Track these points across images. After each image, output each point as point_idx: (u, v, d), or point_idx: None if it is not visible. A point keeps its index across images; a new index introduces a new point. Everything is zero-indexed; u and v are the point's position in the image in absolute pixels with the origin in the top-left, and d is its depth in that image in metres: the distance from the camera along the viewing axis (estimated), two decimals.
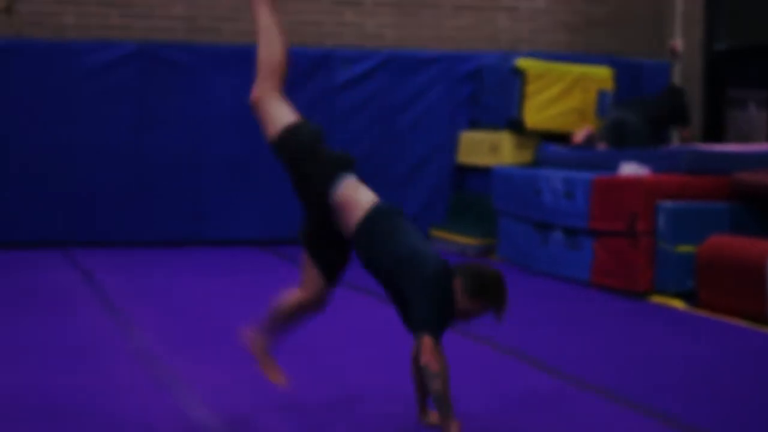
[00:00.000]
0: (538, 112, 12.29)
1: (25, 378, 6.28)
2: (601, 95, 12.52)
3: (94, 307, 8.62)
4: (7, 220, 12.08)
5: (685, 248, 9.31)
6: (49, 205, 12.13)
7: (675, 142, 13.36)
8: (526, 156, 12.27)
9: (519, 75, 12.29)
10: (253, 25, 13.19)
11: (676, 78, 13.83)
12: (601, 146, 11.74)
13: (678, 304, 9.14)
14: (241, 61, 12.60)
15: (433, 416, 5.41)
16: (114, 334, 7.58)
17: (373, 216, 5.47)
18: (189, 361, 6.77)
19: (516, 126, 12.27)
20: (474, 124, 13.25)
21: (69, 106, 12.21)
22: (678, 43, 13.92)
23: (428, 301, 5.10)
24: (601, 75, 12.58)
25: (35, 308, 8.54)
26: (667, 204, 9.47)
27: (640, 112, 12.09)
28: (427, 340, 5.04)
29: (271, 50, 5.82)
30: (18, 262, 11.13)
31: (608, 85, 12.57)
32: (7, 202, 12.08)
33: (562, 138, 12.30)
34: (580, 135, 12.05)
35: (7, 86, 12.07)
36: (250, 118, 12.42)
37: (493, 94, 12.89)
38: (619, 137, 11.75)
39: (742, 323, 8.37)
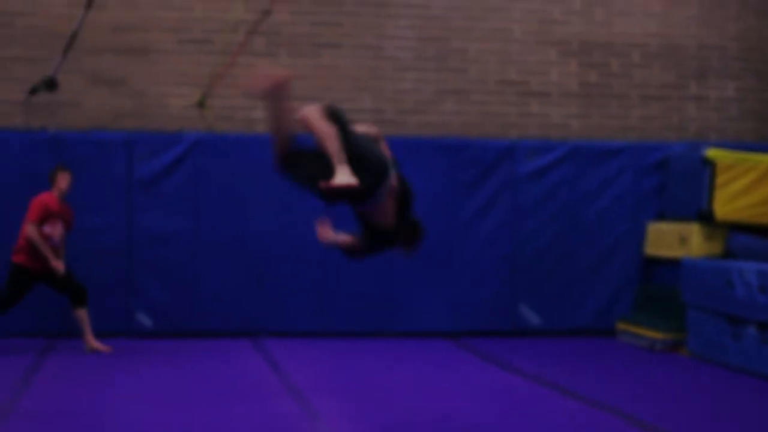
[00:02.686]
0: (728, 203, 12.01)
1: None
2: None
3: (282, 396, 8.71)
4: (201, 310, 12.37)
5: None
6: (239, 295, 12.37)
7: None
8: (716, 247, 11.98)
9: (708, 165, 12.06)
10: (436, 117, 13.38)
11: None
12: None
13: None
14: (426, 152, 12.74)
15: None
16: (302, 423, 7.62)
17: None
18: None
19: (706, 217, 12.01)
20: (661, 215, 13.04)
21: (258, 196, 12.48)
22: None
23: None
24: None
25: (226, 396, 8.67)
26: None
27: None
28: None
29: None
30: (210, 351, 11.35)
31: None
32: (201, 292, 12.37)
33: (752, 229, 11.99)
34: None
35: (198, 178, 12.42)
36: (434, 209, 12.59)
37: (681, 184, 12.68)
38: None
39: None
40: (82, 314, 11.14)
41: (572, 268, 12.92)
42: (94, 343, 11.17)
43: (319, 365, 10.51)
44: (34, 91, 12.41)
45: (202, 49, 13.11)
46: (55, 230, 11.05)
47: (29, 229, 10.88)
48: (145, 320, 12.30)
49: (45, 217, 10.97)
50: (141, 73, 13.12)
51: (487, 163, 12.89)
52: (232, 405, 8.34)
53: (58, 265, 10.92)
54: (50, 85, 12.08)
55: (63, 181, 11.18)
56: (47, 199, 11.08)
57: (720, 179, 12.02)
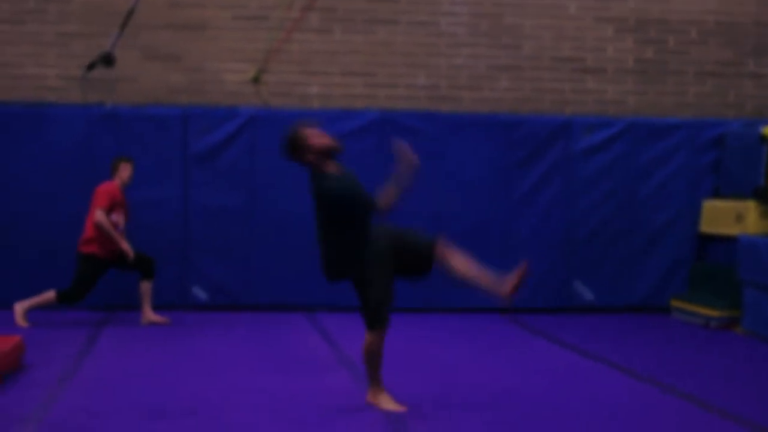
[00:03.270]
0: None
1: None
2: None
3: (338, 369, 8.77)
4: (255, 284, 12.47)
5: None
6: (293, 270, 12.44)
7: None
8: None
9: (765, 143, 11.96)
10: (490, 94, 13.33)
11: None
12: None
13: None
14: (480, 128, 12.74)
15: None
16: (356, 395, 7.68)
17: None
18: (436, 426, 6.78)
19: (762, 195, 11.92)
20: (717, 193, 12.96)
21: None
22: None
23: None
24: None
25: (281, 367, 8.75)
26: None
27: None
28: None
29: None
30: (264, 323, 11.45)
31: None
32: (255, 266, 12.46)
33: None
34: None
35: (253, 153, 12.49)
36: (488, 186, 12.58)
37: (737, 162, 12.59)
38: None
39: None
40: (147, 287, 11.28)
41: (627, 245, 12.88)
42: (152, 316, 11.29)
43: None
44: (91, 66, 12.55)
45: (257, 25, 13.16)
46: (120, 218, 11.15)
47: (99, 215, 10.95)
48: (200, 293, 12.41)
49: (112, 206, 11.06)
50: (196, 48, 13.20)
51: (542, 139, 12.86)
52: (287, 376, 8.42)
53: (129, 250, 11.03)
54: (107, 60, 12.21)
55: (125, 171, 11.28)
56: (112, 187, 11.17)
57: None
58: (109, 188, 11.14)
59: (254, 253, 12.45)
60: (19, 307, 11.02)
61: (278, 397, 7.62)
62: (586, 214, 12.91)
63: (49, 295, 11.02)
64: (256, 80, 12.94)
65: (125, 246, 11.03)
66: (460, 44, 13.57)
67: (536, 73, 13.64)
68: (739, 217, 12.11)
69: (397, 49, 13.48)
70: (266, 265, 12.46)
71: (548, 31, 13.71)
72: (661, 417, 7.21)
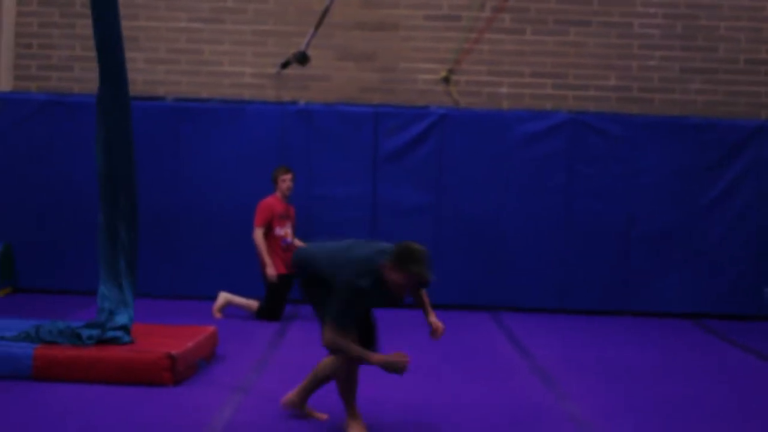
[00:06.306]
0: None
1: None
2: None
3: (525, 372, 8.79)
4: (441, 282, 12.53)
5: None
6: (478, 270, 12.49)
7: None
8: None
9: None
10: (682, 96, 13.13)
11: None
12: None
13: None
14: (671, 131, 12.56)
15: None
16: (546, 399, 7.69)
17: None
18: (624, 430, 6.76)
19: None
20: None
21: (501, 173, 12.56)
22: None
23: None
24: None
25: (472, 370, 8.81)
26: None
27: None
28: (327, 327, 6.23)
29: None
30: (450, 322, 11.51)
31: None
32: (441, 265, 12.54)
33: None
34: None
35: (442, 153, 12.58)
36: (677, 189, 12.39)
37: None
38: None
39: None
40: None
41: None
42: None
43: (558, 341, 10.53)
44: (286, 64, 12.84)
45: (449, 25, 13.26)
46: (286, 231, 11.29)
47: (254, 234, 11.11)
48: None
49: (270, 220, 11.15)
50: (389, 48, 13.38)
51: (734, 143, 12.60)
52: (477, 378, 8.47)
53: (272, 273, 11.08)
54: (302, 59, 12.47)
55: (283, 183, 11.32)
56: (271, 202, 11.25)
57: None
58: (266, 204, 11.22)
59: (440, 252, 12.53)
60: (222, 299, 11.26)
61: (465, 401, 7.67)
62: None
63: (253, 304, 11.26)
64: (446, 80, 13.05)
65: (269, 270, 11.03)
66: (653, 46, 13.42)
67: (731, 76, 13.39)
68: None
69: (588, 51, 13.41)
70: (452, 264, 12.53)
71: (744, 32, 13.43)
72: None
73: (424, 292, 6.86)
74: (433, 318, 6.80)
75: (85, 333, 7.87)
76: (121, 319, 8.09)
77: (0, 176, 12.54)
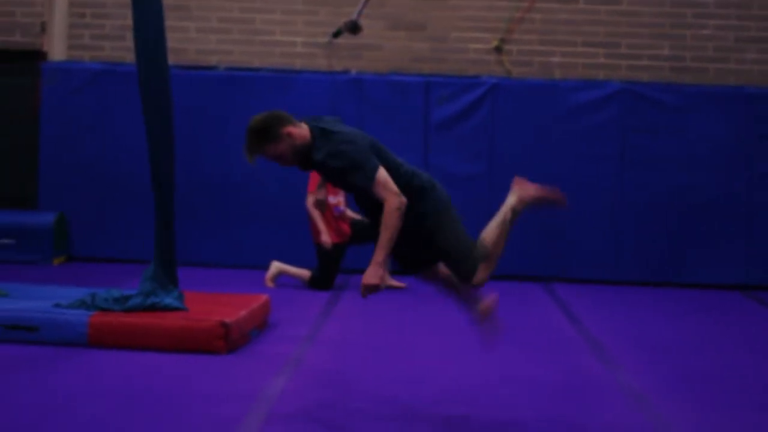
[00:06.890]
0: None
1: (519, 411, 6.50)
2: None
3: (578, 343, 8.77)
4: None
5: None
6: (531, 240, 12.46)
7: None
8: None
9: None
10: (737, 66, 12.99)
11: None
12: None
13: None
14: (725, 101, 12.43)
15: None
16: (600, 371, 7.67)
17: None
18: (681, 404, 6.73)
19: None
20: None
21: (553, 143, 12.50)
22: None
23: None
24: None
25: (525, 342, 8.80)
26: None
27: None
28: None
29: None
30: (503, 292, 11.49)
31: None
32: None
33: None
34: None
35: (494, 122, 12.54)
36: (731, 159, 12.27)
37: None
38: None
39: None
40: None
41: None
42: (390, 280, 11.49)
43: (611, 313, 10.49)
44: (337, 34, 12.82)
45: None
46: (339, 199, 11.28)
47: (308, 200, 11.09)
48: None
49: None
50: (440, 17, 13.33)
51: None
52: (529, 350, 8.47)
53: (327, 241, 11.11)
54: (354, 28, 12.43)
55: None
56: None
57: None
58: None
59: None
60: (275, 268, 11.31)
61: (512, 373, 7.68)
62: None
63: (305, 273, 11.30)
64: (498, 49, 12.98)
65: (324, 237, 11.02)
66: (708, 15, 13.27)
67: None
68: None
69: (641, 20, 13.29)
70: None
71: None
72: None
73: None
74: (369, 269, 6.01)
75: (139, 300, 7.93)
76: (172, 289, 8.15)
77: (54, 146, 12.65)
